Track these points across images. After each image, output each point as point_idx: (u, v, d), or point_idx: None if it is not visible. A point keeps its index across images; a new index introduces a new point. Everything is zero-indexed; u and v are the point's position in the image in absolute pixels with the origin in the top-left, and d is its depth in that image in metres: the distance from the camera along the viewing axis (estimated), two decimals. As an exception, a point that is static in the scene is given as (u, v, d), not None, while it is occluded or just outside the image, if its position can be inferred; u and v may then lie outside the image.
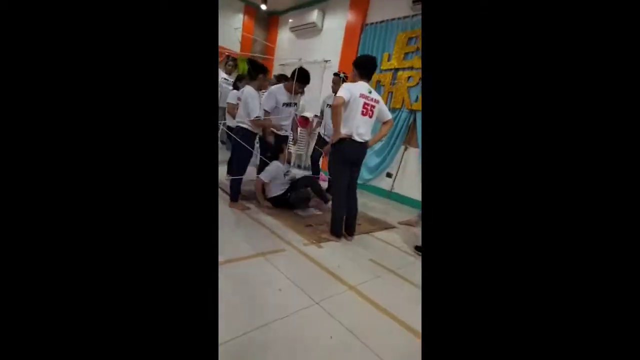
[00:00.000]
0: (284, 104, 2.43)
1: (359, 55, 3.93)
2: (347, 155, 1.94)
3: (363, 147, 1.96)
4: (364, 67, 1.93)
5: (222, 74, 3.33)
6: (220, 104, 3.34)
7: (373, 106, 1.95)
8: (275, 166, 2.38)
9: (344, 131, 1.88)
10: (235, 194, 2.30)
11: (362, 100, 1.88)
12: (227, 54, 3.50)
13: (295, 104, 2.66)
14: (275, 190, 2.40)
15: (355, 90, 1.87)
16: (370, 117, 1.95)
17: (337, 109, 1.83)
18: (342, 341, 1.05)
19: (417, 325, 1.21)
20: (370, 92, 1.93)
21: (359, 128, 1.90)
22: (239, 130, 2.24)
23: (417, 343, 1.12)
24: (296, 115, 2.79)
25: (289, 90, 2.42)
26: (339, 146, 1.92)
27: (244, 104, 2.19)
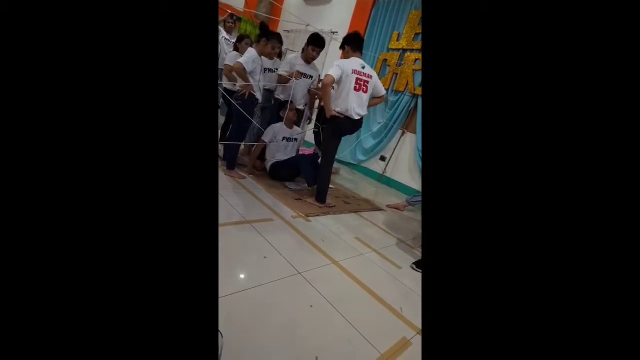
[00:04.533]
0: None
1: (367, 30, 3.77)
2: (343, 132, 2.04)
3: (359, 122, 2.03)
4: (355, 41, 1.97)
5: (222, 33, 3.13)
6: (220, 65, 3.16)
7: (366, 81, 1.96)
8: (276, 127, 2.37)
9: (338, 108, 1.92)
10: (232, 162, 2.27)
11: (355, 76, 1.91)
12: (229, 11, 3.27)
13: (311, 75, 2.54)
14: (275, 156, 2.39)
15: (347, 66, 1.89)
16: (365, 92, 1.97)
17: (325, 88, 1.89)
18: (321, 310, 1.09)
19: (395, 302, 1.26)
20: (363, 67, 1.95)
21: (354, 105, 1.93)
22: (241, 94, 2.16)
23: (394, 319, 1.17)
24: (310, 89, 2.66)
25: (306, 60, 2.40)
26: (336, 123, 1.97)
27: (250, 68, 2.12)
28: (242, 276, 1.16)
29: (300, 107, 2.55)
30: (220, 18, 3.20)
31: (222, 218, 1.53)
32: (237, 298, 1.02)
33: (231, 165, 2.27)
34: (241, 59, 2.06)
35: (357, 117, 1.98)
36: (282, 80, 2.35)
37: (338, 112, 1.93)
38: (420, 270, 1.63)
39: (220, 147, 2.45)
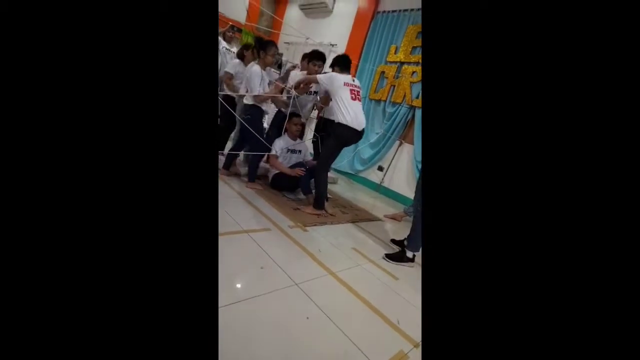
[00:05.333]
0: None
1: (365, 43, 3.85)
2: (347, 142, 2.15)
3: (362, 133, 2.13)
4: (344, 63, 2.17)
5: (222, 43, 3.18)
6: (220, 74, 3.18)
7: (358, 91, 2.15)
8: (281, 140, 2.40)
9: (344, 121, 2.04)
10: (252, 175, 2.35)
11: (348, 88, 2.08)
12: (231, 24, 3.33)
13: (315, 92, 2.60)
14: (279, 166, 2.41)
15: (338, 80, 2.07)
16: (359, 101, 2.15)
17: (308, 78, 2.22)
18: (317, 323, 1.08)
19: (392, 314, 1.25)
20: (353, 80, 2.14)
21: (357, 115, 2.07)
22: (248, 108, 2.26)
23: (391, 332, 1.16)
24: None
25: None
26: (341, 132, 2.07)
27: (247, 82, 2.21)
28: (238, 287, 1.16)
29: (304, 120, 2.60)
30: (221, 30, 3.25)
31: (219, 227, 1.53)
32: (234, 309, 1.01)
33: (252, 177, 2.36)
34: (256, 83, 2.16)
35: (360, 129, 2.09)
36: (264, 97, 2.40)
37: (346, 123, 2.04)
38: (391, 261, 1.77)
39: (221, 157, 2.48)
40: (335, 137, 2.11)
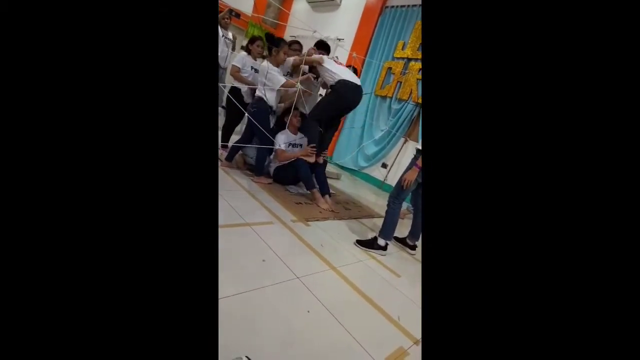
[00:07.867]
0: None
1: (373, 38, 3.81)
2: (346, 96, 2.21)
3: (359, 91, 2.21)
4: (325, 48, 2.45)
5: (220, 31, 3.02)
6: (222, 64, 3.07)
7: (340, 62, 2.36)
8: (282, 134, 2.40)
9: (340, 77, 2.16)
10: (260, 169, 2.36)
11: (332, 59, 2.31)
12: (228, 8, 3.12)
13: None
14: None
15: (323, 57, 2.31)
16: (343, 65, 2.33)
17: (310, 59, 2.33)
18: (318, 316, 1.08)
19: (393, 310, 1.25)
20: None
21: (349, 73, 2.20)
22: (257, 101, 2.26)
23: (392, 328, 1.16)
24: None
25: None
26: (340, 86, 2.15)
27: (268, 79, 2.25)
28: (240, 279, 1.16)
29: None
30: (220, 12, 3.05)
31: (222, 220, 1.53)
32: (235, 300, 1.01)
33: (259, 172, 2.37)
34: (273, 80, 2.21)
35: (356, 83, 2.16)
36: (288, 84, 2.39)
37: (339, 79, 2.17)
38: (361, 247, 1.78)
39: (223, 151, 2.48)
40: (334, 91, 2.18)
